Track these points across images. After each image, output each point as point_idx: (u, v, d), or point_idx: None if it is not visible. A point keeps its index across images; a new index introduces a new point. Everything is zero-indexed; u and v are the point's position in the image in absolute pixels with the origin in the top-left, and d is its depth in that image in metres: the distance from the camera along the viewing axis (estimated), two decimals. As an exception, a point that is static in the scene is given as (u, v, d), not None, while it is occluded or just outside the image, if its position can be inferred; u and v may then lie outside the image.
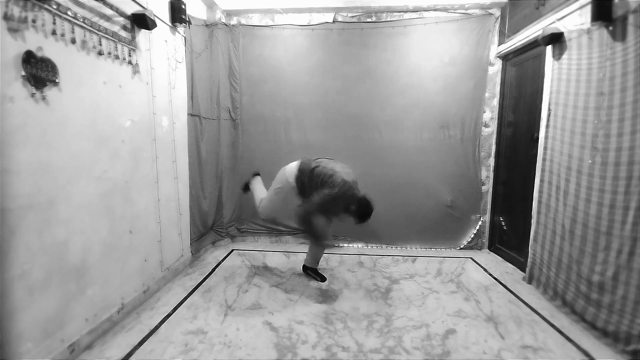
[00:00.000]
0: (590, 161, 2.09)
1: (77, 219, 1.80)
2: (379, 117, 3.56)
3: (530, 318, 2.22)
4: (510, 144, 3.30)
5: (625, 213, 1.85)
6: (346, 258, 3.33)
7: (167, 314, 2.23)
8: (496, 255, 3.43)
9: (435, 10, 3.41)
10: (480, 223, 3.59)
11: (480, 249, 3.60)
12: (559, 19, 2.41)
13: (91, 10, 1.86)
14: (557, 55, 2.43)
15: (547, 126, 2.52)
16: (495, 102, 3.47)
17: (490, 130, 3.51)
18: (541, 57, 2.70)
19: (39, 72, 1.55)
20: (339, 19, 3.50)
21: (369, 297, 2.51)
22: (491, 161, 3.55)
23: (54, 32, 1.62)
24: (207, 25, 3.38)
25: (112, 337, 1.96)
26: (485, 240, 3.61)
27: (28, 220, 1.53)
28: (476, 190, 3.56)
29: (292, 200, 2.65)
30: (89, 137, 1.88)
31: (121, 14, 2.11)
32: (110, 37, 2.02)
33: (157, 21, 2.43)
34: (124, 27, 2.15)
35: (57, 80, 1.65)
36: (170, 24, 2.73)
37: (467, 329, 2.09)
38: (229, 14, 3.60)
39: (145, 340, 1.95)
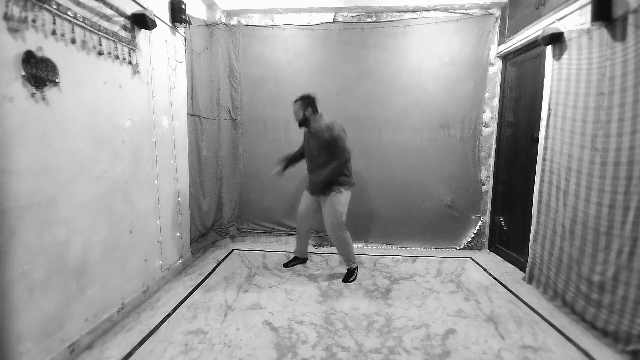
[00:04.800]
0: (590, 161, 2.09)
1: (77, 219, 1.80)
2: (379, 117, 3.55)
3: (530, 318, 2.22)
4: (510, 144, 3.30)
5: (625, 213, 1.85)
6: (346, 258, 3.33)
7: (167, 314, 2.23)
8: (496, 255, 3.43)
9: (435, 10, 3.40)
10: (480, 223, 3.59)
11: (480, 249, 3.59)
12: (559, 19, 2.41)
13: (91, 10, 1.87)
14: (557, 55, 2.43)
15: (547, 126, 2.52)
16: (495, 102, 3.46)
17: (490, 130, 3.51)
18: (541, 57, 2.70)
19: (39, 72, 1.55)
20: (339, 19, 3.50)
21: (369, 297, 2.50)
22: (491, 161, 3.55)
23: (54, 32, 1.63)
24: (207, 25, 3.38)
25: (112, 337, 1.96)
26: (485, 240, 3.61)
27: (28, 220, 1.53)
28: (476, 190, 3.56)
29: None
30: (89, 137, 1.88)
31: (121, 14, 2.11)
32: (110, 37, 2.02)
33: (157, 21, 2.43)
34: (124, 27, 2.15)
35: (57, 80, 1.65)
36: (170, 24, 2.73)
37: (467, 329, 2.09)
38: (229, 14, 3.60)
39: (145, 340, 1.95)
